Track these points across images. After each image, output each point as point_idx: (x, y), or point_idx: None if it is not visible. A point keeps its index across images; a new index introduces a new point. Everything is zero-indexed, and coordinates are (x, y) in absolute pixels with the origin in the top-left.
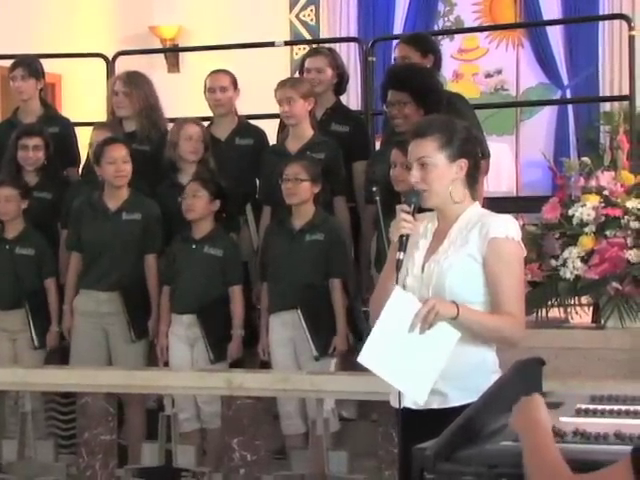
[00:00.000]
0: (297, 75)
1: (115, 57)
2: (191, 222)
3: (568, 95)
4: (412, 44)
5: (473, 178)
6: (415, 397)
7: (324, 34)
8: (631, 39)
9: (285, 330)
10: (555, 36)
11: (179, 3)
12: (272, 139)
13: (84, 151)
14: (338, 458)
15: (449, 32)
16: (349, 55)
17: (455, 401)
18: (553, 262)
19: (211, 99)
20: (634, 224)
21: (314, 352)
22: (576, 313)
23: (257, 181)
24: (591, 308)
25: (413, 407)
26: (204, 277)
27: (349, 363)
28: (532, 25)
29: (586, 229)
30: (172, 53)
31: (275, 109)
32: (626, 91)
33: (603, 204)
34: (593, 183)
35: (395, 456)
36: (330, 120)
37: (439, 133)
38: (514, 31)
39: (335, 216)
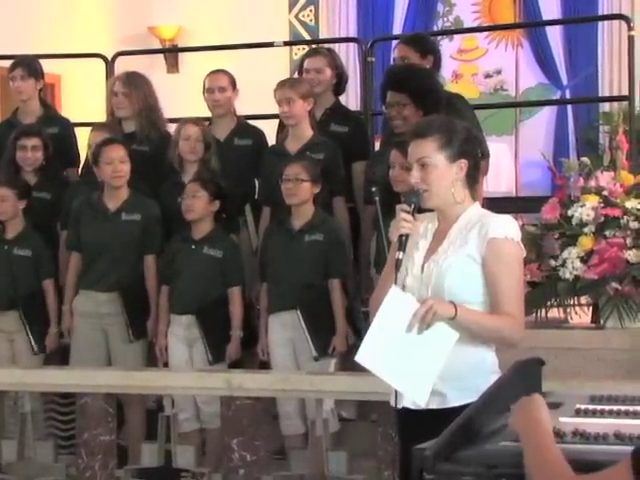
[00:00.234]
0: (296, 75)
1: (114, 57)
2: (190, 222)
3: (567, 95)
4: (411, 45)
5: (473, 178)
6: (415, 398)
7: (323, 34)
8: (630, 39)
9: (284, 330)
10: (554, 36)
11: (178, 3)
12: (271, 139)
13: (84, 151)
14: (337, 458)
15: (448, 32)
16: (348, 55)
17: (454, 401)
18: (552, 262)
19: (209, 99)
20: (633, 224)
21: (313, 352)
22: (575, 313)
23: (256, 181)
24: (590, 308)
25: (412, 407)
26: (203, 278)
27: (348, 363)
28: (531, 25)
29: (585, 229)
30: (171, 53)
31: (274, 109)
32: (625, 91)
33: (602, 204)
34: (592, 183)
35: (394, 456)
36: (329, 120)
37: (439, 134)
38: (513, 31)
39: (334, 216)
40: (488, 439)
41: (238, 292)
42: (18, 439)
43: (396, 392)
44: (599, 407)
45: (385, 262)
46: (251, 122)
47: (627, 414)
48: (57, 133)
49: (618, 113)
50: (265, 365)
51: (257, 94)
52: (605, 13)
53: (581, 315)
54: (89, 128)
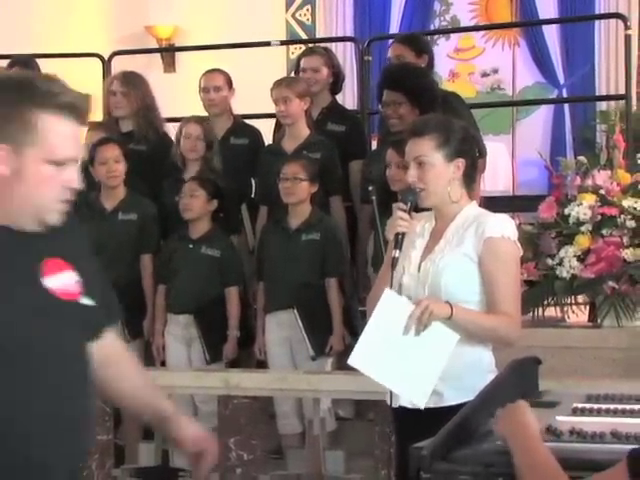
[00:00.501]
0: (293, 75)
1: (111, 57)
2: (188, 221)
3: (564, 94)
4: (407, 44)
5: (470, 178)
6: (415, 400)
7: (320, 34)
8: (627, 38)
9: (281, 330)
10: (551, 35)
11: (175, 3)
12: (268, 139)
13: None
14: (335, 458)
15: (445, 31)
16: (345, 55)
17: (451, 400)
18: (549, 261)
19: (205, 99)
20: (630, 223)
21: (310, 352)
22: (572, 312)
23: (252, 181)
24: (587, 307)
25: (409, 406)
26: (201, 277)
27: (345, 362)
28: (528, 24)
29: (582, 228)
30: (168, 53)
31: (271, 109)
32: (622, 90)
33: (599, 203)
34: (589, 182)
35: (391, 455)
36: (326, 120)
37: (437, 132)
38: (510, 30)
39: (331, 215)
40: (485, 438)
41: (235, 292)
42: None
43: (390, 391)
44: (596, 406)
45: (382, 261)
46: (248, 121)
47: (624, 413)
48: None
49: (615, 112)
50: (262, 364)
51: (254, 93)
52: (602, 12)
53: (578, 314)
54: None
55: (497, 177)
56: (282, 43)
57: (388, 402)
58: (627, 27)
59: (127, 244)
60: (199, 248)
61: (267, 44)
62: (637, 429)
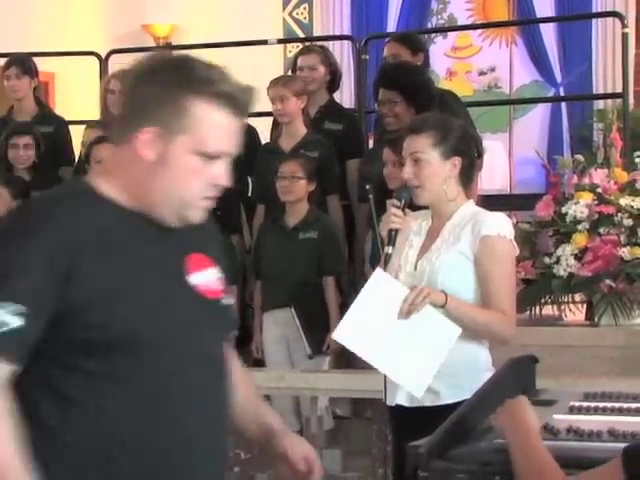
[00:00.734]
0: (290, 73)
1: (108, 55)
2: None
3: (561, 93)
4: (402, 42)
5: (467, 177)
6: (412, 390)
7: (317, 32)
8: (624, 36)
9: (278, 328)
10: (548, 34)
11: (172, 1)
12: (265, 137)
13: (78, 150)
14: (332, 456)
15: (442, 30)
16: (342, 53)
17: (448, 399)
18: (547, 260)
19: None
20: (627, 221)
21: (308, 350)
22: (570, 311)
23: (249, 179)
24: (584, 306)
25: (406, 404)
26: None
27: (343, 361)
28: (525, 23)
29: (579, 226)
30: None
31: (268, 107)
32: (619, 89)
33: (596, 202)
34: (586, 181)
35: (389, 454)
36: (323, 118)
37: (434, 130)
38: (507, 29)
39: (329, 214)
40: (482, 437)
41: (234, 291)
42: None
43: (385, 389)
44: (593, 404)
45: (380, 259)
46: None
47: (621, 411)
48: (52, 132)
49: (612, 110)
50: (259, 363)
51: None
52: (599, 10)
53: (575, 312)
54: (83, 126)
55: (494, 175)
56: (279, 41)
57: (384, 400)
58: (624, 25)
59: None
60: None
61: (264, 42)
62: (634, 427)
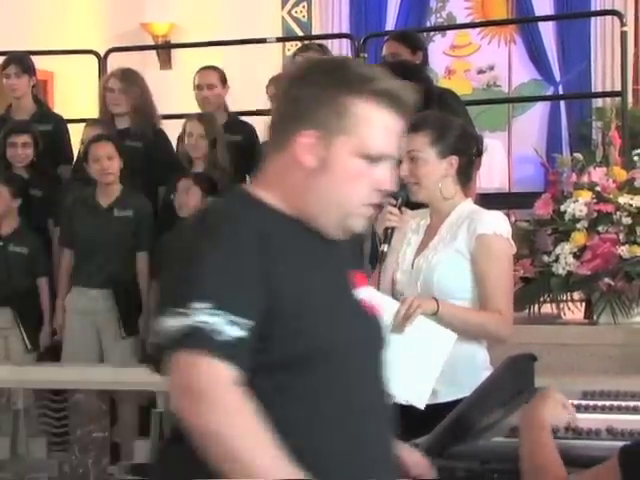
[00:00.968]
0: None
1: (107, 54)
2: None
3: (560, 91)
4: (402, 41)
5: (466, 175)
6: (413, 401)
7: (316, 30)
8: (623, 35)
9: None
10: (547, 32)
11: (171, 0)
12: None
13: (77, 148)
14: None
15: (441, 28)
16: (341, 51)
17: (446, 397)
18: (545, 258)
19: (199, 96)
20: (626, 220)
21: None
22: (568, 309)
23: (247, 177)
24: (583, 304)
25: (404, 403)
26: None
27: None
28: (524, 21)
29: (578, 225)
30: (164, 50)
31: (267, 105)
32: (618, 87)
33: (595, 200)
34: (585, 179)
35: None
36: None
37: (432, 129)
38: (506, 27)
39: None
40: (481, 435)
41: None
42: (11, 436)
43: None
44: (592, 403)
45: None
46: (244, 118)
47: (619, 409)
48: (50, 130)
49: (611, 109)
50: None
51: (250, 90)
52: (598, 9)
53: (574, 311)
54: (82, 125)
55: (493, 174)
56: (278, 40)
57: None
58: (623, 24)
59: (123, 241)
60: None
61: (263, 41)
62: (633, 426)
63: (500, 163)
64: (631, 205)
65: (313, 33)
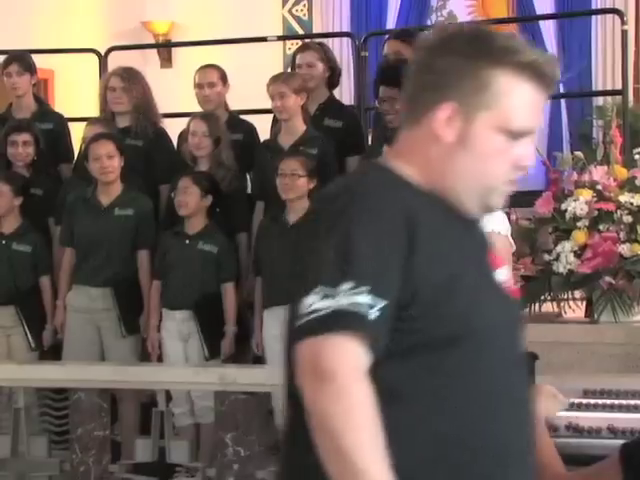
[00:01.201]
0: (290, 70)
1: (108, 52)
2: (184, 218)
3: (561, 89)
4: (403, 40)
5: None
6: None
7: (317, 29)
8: (624, 33)
9: (279, 325)
10: (548, 31)
11: None
12: (265, 134)
13: (78, 147)
14: None
15: None
16: (342, 50)
17: None
18: (546, 256)
19: (199, 95)
20: (627, 218)
21: None
22: (569, 307)
23: (247, 176)
24: (584, 302)
25: None
26: (199, 273)
27: None
28: (525, 20)
29: (579, 223)
30: (165, 48)
31: (268, 104)
32: (619, 85)
33: (596, 198)
34: (586, 177)
35: None
36: (323, 115)
37: None
38: (507, 26)
39: None
40: None
41: (231, 288)
42: (12, 435)
43: None
44: (592, 401)
45: None
46: (245, 117)
47: (620, 408)
48: (51, 129)
49: (612, 107)
50: (259, 360)
51: (250, 89)
52: (598, 7)
53: (575, 309)
54: (82, 123)
55: None
56: (279, 38)
57: None
58: (624, 22)
59: (124, 240)
60: (196, 244)
61: (264, 39)
62: (633, 424)
63: None
64: (632, 203)
65: (314, 32)
